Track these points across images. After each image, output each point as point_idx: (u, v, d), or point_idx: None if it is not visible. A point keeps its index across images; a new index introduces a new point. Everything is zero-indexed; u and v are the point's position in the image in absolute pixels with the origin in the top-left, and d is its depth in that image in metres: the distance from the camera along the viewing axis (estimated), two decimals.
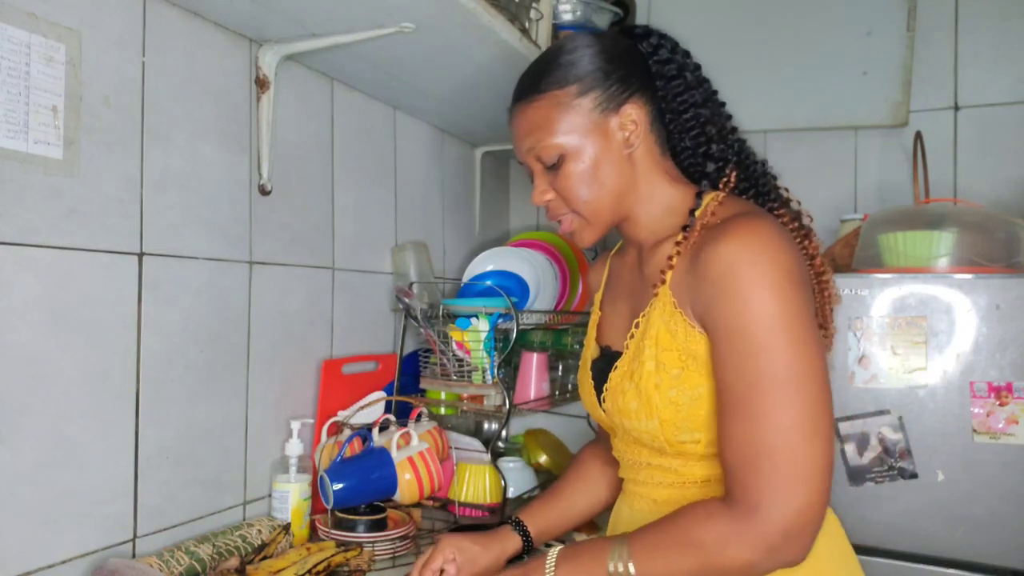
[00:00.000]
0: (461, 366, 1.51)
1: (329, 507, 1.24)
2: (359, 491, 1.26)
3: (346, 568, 1.13)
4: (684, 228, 0.90)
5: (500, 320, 1.51)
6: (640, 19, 1.95)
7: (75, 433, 0.99)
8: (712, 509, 0.79)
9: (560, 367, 1.81)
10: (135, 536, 1.07)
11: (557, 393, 1.74)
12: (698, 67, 0.96)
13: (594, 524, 1.38)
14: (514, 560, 1.08)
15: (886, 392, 1.33)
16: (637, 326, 0.91)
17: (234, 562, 1.06)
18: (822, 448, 0.75)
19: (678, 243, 0.89)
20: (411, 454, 1.31)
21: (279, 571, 1.06)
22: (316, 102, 1.45)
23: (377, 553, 1.22)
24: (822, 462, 0.75)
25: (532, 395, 1.67)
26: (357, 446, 1.35)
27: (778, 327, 0.77)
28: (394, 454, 1.29)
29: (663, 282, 0.89)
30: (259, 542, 1.15)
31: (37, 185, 0.94)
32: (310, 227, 1.44)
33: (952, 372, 1.29)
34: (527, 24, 1.36)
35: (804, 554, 0.76)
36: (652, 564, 0.81)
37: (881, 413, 1.33)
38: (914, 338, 1.32)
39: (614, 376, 0.93)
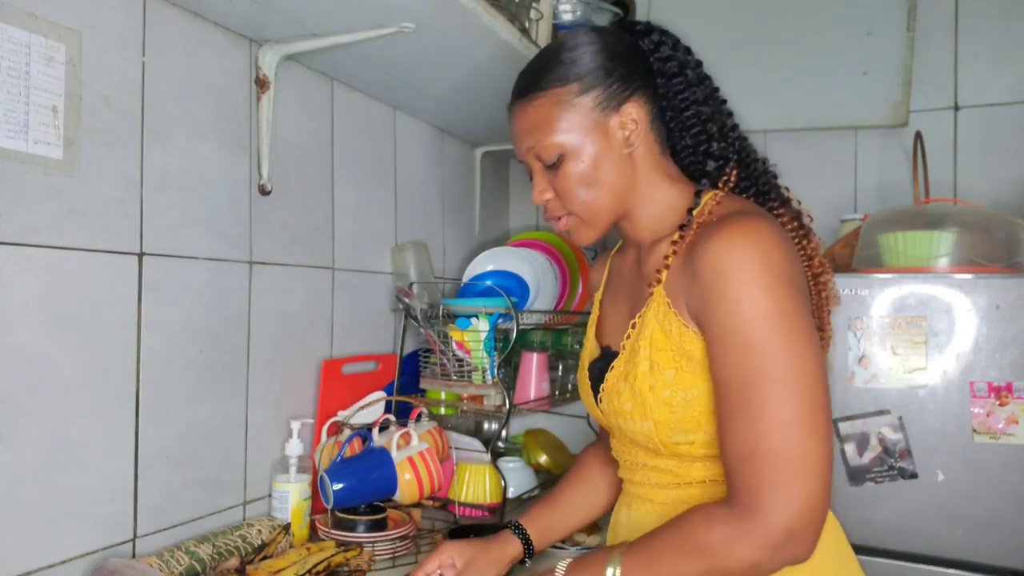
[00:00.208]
0: (461, 366, 1.51)
1: (329, 507, 1.24)
2: (359, 491, 1.26)
3: (346, 568, 1.13)
4: (681, 227, 0.90)
5: (500, 320, 1.51)
6: (640, 19, 1.95)
7: (75, 433, 0.99)
8: (711, 512, 0.79)
9: (560, 367, 1.81)
10: (135, 536, 1.07)
11: (557, 393, 1.74)
12: (699, 64, 0.95)
13: (595, 525, 1.38)
14: (516, 566, 1.08)
15: (886, 392, 1.33)
16: (634, 326, 0.91)
17: (234, 562, 1.06)
18: (820, 445, 0.75)
19: (674, 242, 0.89)
20: (411, 454, 1.31)
21: (279, 571, 1.06)
22: (316, 102, 1.45)
23: (377, 553, 1.22)
24: (821, 459, 0.75)
25: (532, 395, 1.67)
26: (357, 446, 1.35)
27: (770, 326, 0.76)
28: (394, 454, 1.29)
29: (658, 281, 0.88)
30: (259, 542, 1.15)
31: (37, 185, 0.94)
32: (310, 227, 1.44)
33: (952, 372, 1.29)
34: (527, 24, 1.36)
35: (809, 551, 0.75)
36: (649, 570, 0.81)
37: (881, 413, 1.33)
38: (914, 338, 1.32)
39: (610, 377, 0.93)
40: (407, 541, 1.28)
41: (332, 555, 1.11)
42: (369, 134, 1.61)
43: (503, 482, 1.47)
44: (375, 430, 1.37)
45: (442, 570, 1.04)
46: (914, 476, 1.31)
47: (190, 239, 1.16)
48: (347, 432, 1.37)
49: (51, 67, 0.95)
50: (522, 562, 1.09)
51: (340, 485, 1.23)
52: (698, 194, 0.92)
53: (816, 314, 0.92)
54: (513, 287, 1.62)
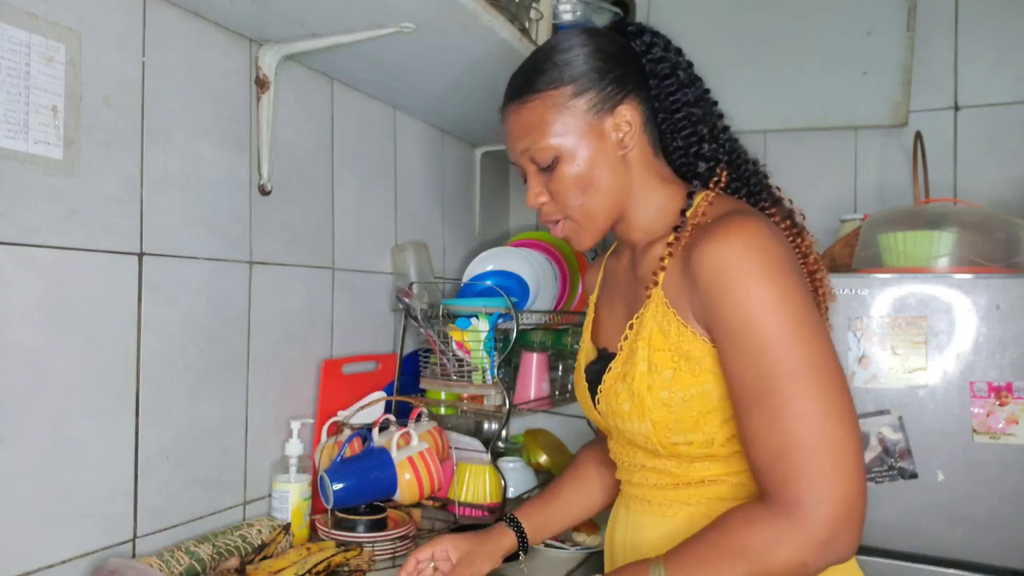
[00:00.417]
0: (461, 366, 1.51)
1: (329, 507, 1.24)
2: (359, 491, 1.26)
3: (346, 568, 1.13)
4: (675, 229, 0.89)
5: (500, 320, 1.51)
6: (640, 19, 1.95)
7: (75, 433, 0.99)
8: (751, 513, 0.77)
9: (560, 367, 1.81)
10: (135, 536, 1.07)
11: (557, 393, 1.74)
12: (690, 65, 0.95)
13: (593, 523, 1.38)
14: (509, 558, 1.09)
15: (886, 392, 1.33)
16: (631, 327, 0.91)
17: (234, 562, 1.06)
18: (849, 429, 0.74)
19: (669, 244, 0.89)
20: (411, 454, 1.31)
21: (279, 571, 1.06)
22: (316, 102, 1.45)
23: (377, 553, 1.22)
24: (853, 443, 0.73)
25: (532, 395, 1.67)
26: (357, 446, 1.35)
27: (780, 317, 0.76)
28: (394, 454, 1.29)
29: (655, 284, 0.88)
30: (259, 542, 1.15)
31: (37, 185, 0.94)
32: (310, 227, 1.44)
33: (952, 372, 1.29)
34: (527, 24, 1.36)
35: (854, 547, 0.73)
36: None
37: (881, 413, 1.33)
38: (914, 338, 1.32)
39: (608, 378, 0.93)
40: (407, 541, 1.28)
41: (332, 555, 1.11)
42: (369, 134, 1.61)
43: (503, 482, 1.47)
44: (375, 430, 1.37)
45: (436, 562, 1.04)
46: (914, 476, 1.31)
47: (190, 239, 1.16)
48: (347, 432, 1.37)
49: (51, 67, 0.95)
50: (515, 555, 1.09)
51: (340, 485, 1.23)
52: (690, 195, 0.92)
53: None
54: (513, 287, 1.62)
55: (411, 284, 1.61)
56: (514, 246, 1.74)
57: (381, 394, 1.53)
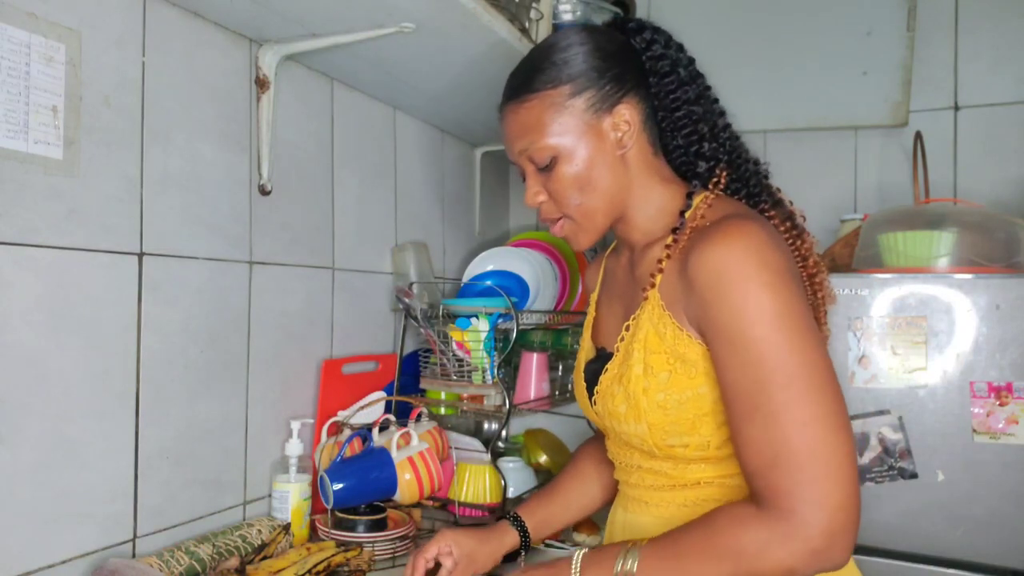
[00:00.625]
0: (461, 366, 1.51)
1: (329, 507, 1.24)
2: (359, 491, 1.26)
3: (346, 568, 1.13)
4: (674, 231, 0.89)
5: (500, 320, 1.51)
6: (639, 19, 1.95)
7: (75, 433, 0.99)
8: (743, 514, 0.77)
9: (560, 367, 1.81)
10: (135, 536, 1.07)
11: (557, 393, 1.74)
12: (691, 61, 0.94)
13: (593, 522, 1.38)
14: (511, 556, 1.09)
15: (886, 392, 1.33)
16: (627, 329, 0.91)
17: (234, 562, 1.06)
18: (844, 439, 0.74)
19: (667, 246, 0.89)
20: (411, 454, 1.31)
21: (279, 571, 1.06)
22: (316, 102, 1.45)
23: (377, 553, 1.22)
24: (847, 452, 0.73)
25: (532, 395, 1.67)
26: (357, 446, 1.35)
27: (777, 325, 0.76)
28: (394, 454, 1.29)
29: (652, 286, 0.88)
30: (259, 542, 1.15)
31: (37, 185, 0.94)
32: (310, 227, 1.44)
33: (952, 372, 1.29)
34: (527, 24, 1.36)
35: (847, 555, 0.73)
36: (669, 568, 0.79)
37: (881, 413, 1.33)
38: (914, 338, 1.32)
39: (604, 379, 0.93)
40: (407, 541, 1.28)
41: (332, 555, 1.11)
42: (369, 134, 1.61)
43: (503, 482, 1.47)
44: (375, 430, 1.37)
45: (440, 558, 1.04)
46: (914, 476, 1.31)
47: (190, 239, 1.16)
48: (347, 432, 1.37)
49: (51, 67, 0.95)
50: (517, 552, 1.09)
51: (340, 485, 1.23)
52: (689, 196, 0.91)
53: (812, 314, 0.92)
54: (513, 287, 1.62)
55: (411, 284, 1.61)
56: (514, 246, 1.74)
57: (381, 394, 1.53)
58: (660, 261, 0.88)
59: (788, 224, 0.92)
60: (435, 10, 1.13)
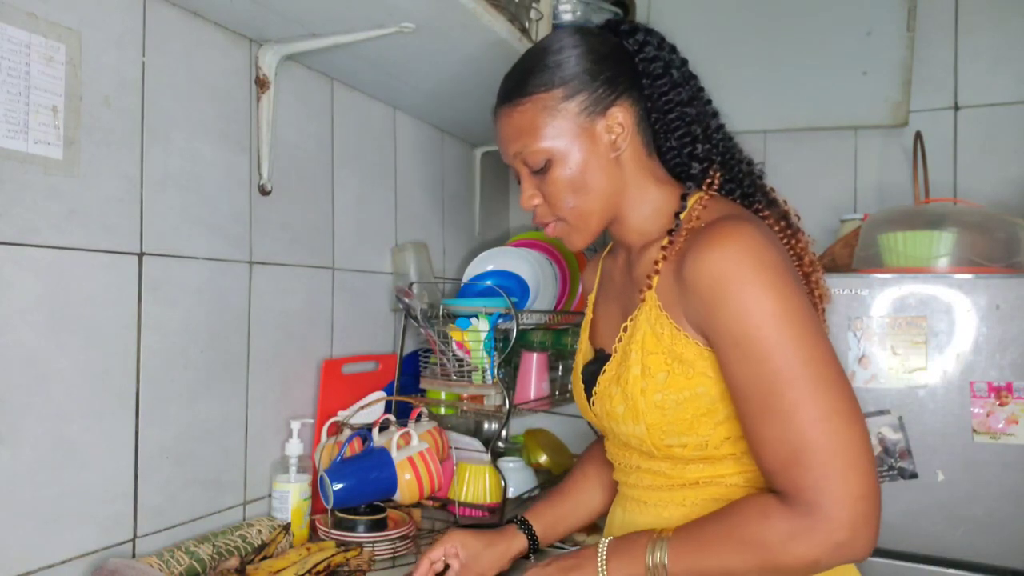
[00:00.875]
0: (461, 366, 1.51)
1: (329, 507, 1.24)
2: (359, 491, 1.26)
3: (346, 568, 1.13)
4: (669, 232, 0.89)
5: (500, 320, 1.51)
6: (640, 19, 1.94)
7: (75, 433, 0.99)
8: (768, 506, 0.77)
9: (560, 367, 1.81)
10: (135, 536, 1.07)
11: (557, 393, 1.74)
12: (684, 63, 0.94)
13: (595, 525, 1.38)
14: (519, 560, 1.08)
15: (886, 392, 1.33)
16: (625, 330, 0.91)
17: (234, 562, 1.06)
18: (859, 430, 0.74)
19: (663, 247, 0.89)
20: (411, 454, 1.31)
21: (279, 571, 1.06)
22: (316, 102, 1.45)
23: (377, 553, 1.22)
24: (864, 444, 0.74)
25: (532, 395, 1.67)
26: (357, 446, 1.35)
27: (780, 324, 0.76)
28: (394, 454, 1.29)
29: (649, 287, 0.88)
30: (259, 542, 1.15)
31: (37, 185, 0.94)
32: (310, 227, 1.44)
33: (952, 372, 1.29)
34: (527, 24, 1.36)
35: (871, 547, 0.74)
36: (695, 558, 0.80)
37: (881, 413, 1.33)
38: (914, 338, 1.32)
39: (602, 380, 0.93)
40: (407, 541, 1.28)
41: (332, 555, 1.11)
42: (369, 134, 1.61)
43: (503, 482, 1.47)
44: (375, 430, 1.37)
45: (447, 559, 1.04)
46: (914, 476, 1.31)
47: (190, 239, 1.16)
48: (347, 432, 1.37)
49: (51, 67, 0.95)
50: (526, 557, 1.09)
51: (340, 485, 1.23)
52: (684, 197, 0.92)
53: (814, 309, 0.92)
54: (513, 287, 1.62)
55: (411, 284, 1.61)
56: (514, 246, 1.74)
57: (381, 394, 1.53)
58: (656, 263, 0.88)
59: (783, 224, 0.92)
60: (435, 10, 1.13)
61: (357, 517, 1.26)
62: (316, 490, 1.30)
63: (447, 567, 1.04)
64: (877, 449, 1.33)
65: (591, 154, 0.89)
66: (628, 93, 0.91)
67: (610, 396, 0.90)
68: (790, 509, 0.75)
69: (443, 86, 1.53)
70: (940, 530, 1.29)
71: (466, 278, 1.69)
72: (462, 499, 1.46)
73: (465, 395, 1.58)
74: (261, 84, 1.28)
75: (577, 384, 1.03)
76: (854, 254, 1.47)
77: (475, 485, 1.47)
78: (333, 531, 1.25)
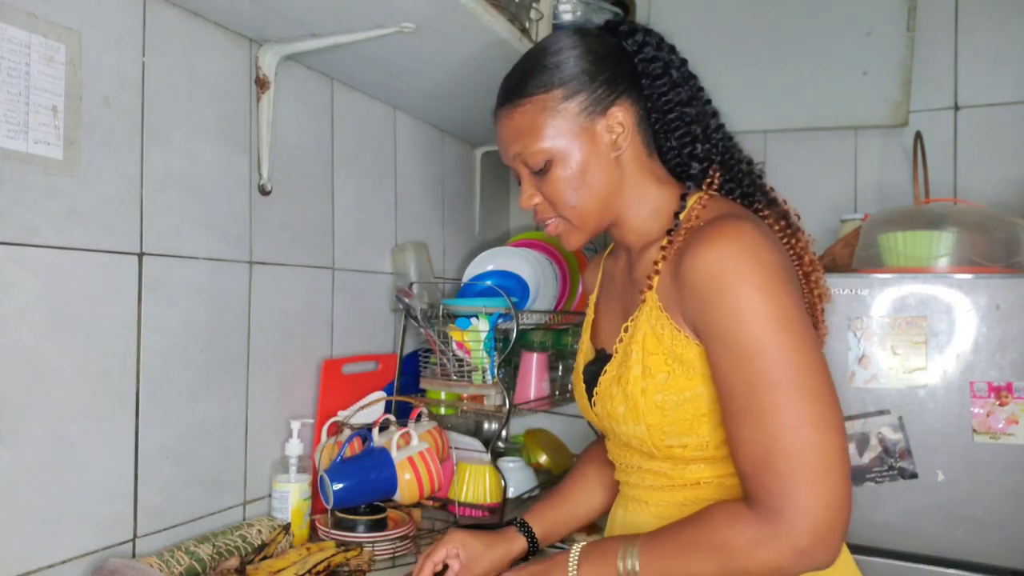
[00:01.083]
0: (461, 366, 1.51)
1: (329, 507, 1.24)
2: (359, 491, 1.26)
3: (346, 568, 1.13)
4: (669, 232, 0.89)
5: (500, 320, 1.51)
6: (640, 19, 1.95)
7: (75, 433, 0.99)
8: (735, 512, 0.78)
9: (560, 367, 1.81)
10: (135, 536, 1.07)
11: (557, 393, 1.74)
12: (683, 63, 0.94)
13: (595, 526, 1.38)
14: (519, 562, 1.08)
15: (886, 392, 1.33)
16: (626, 331, 0.91)
17: (234, 562, 1.06)
18: (835, 440, 0.74)
19: (663, 247, 0.89)
20: (411, 454, 1.31)
21: (279, 571, 1.06)
22: (316, 102, 1.45)
23: (377, 553, 1.22)
24: (838, 454, 0.74)
25: (532, 395, 1.67)
26: (357, 446, 1.35)
27: (770, 326, 0.76)
28: (394, 454, 1.29)
29: (650, 287, 0.88)
30: (259, 542, 1.15)
31: (37, 185, 0.94)
32: (310, 227, 1.44)
33: (952, 372, 1.29)
34: (527, 24, 1.36)
35: (834, 556, 0.74)
36: (664, 564, 0.80)
37: (881, 413, 1.33)
38: (914, 338, 1.32)
39: (603, 380, 0.93)
40: (407, 541, 1.28)
41: (332, 555, 1.11)
42: (369, 134, 1.61)
43: (503, 482, 1.47)
44: (375, 430, 1.37)
45: (447, 560, 1.04)
46: (914, 476, 1.31)
47: (190, 239, 1.16)
48: (347, 432, 1.37)
49: (51, 67, 0.95)
50: (525, 559, 1.09)
51: (340, 485, 1.23)
52: (683, 197, 0.92)
53: (809, 312, 0.92)
54: (513, 287, 1.62)
55: (411, 284, 1.61)
56: (514, 246, 1.74)
57: (381, 394, 1.53)
58: (656, 263, 0.89)
59: (783, 223, 0.92)
60: (435, 10, 1.13)
61: (357, 517, 1.26)
62: (316, 490, 1.30)
63: (446, 567, 1.04)
64: (877, 449, 1.33)
65: (591, 154, 0.89)
66: (628, 93, 0.91)
67: (611, 396, 0.91)
68: (756, 515, 0.75)
69: (443, 86, 1.53)
70: (940, 530, 1.29)
71: (466, 278, 1.69)
72: (462, 499, 1.46)
73: (465, 395, 1.58)
74: (261, 84, 1.28)
75: (578, 384, 1.03)
76: (854, 254, 1.47)
77: (475, 485, 1.47)
78: (333, 531, 1.25)
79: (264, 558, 1.12)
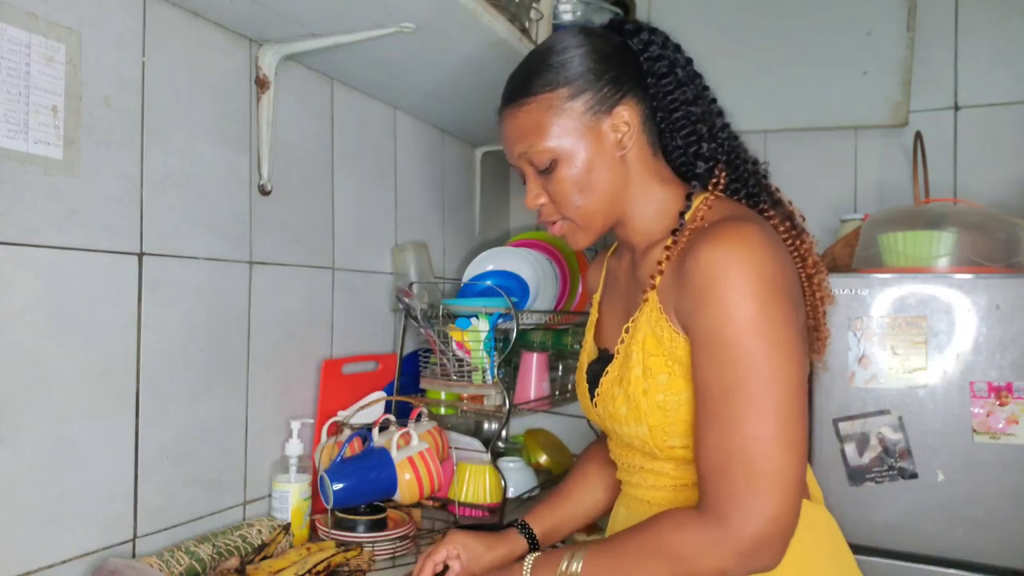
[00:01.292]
0: (461, 366, 1.51)
1: (329, 507, 1.24)
2: (359, 491, 1.26)
3: (346, 568, 1.13)
4: (673, 232, 0.89)
5: (500, 320, 1.51)
6: (641, 19, 1.95)
7: (75, 433, 0.99)
8: (683, 518, 0.80)
9: (560, 367, 1.81)
10: (135, 536, 1.07)
11: (557, 393, 1.74)
12: (689, 61, 0.94)
13: (595, 526, 1.38)
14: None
15: (886, 392, 1.33)
16: (627, 331, 0.91)
17: (234, 562, 1.06)
18: (795, 460, 0.76)
19: (667, 248, 0.89)
20: (411, 454, 1.31)
21: (279, 571, 1.06)
22: (316, 102, 1.45)
23: (377, 553, 1.22)
24: (794, 474, 0.75)
25: (532, 395, 1.67)
26: (357, 446, 1.35)
27: (756, 336, 0.76)
28: (394, 454, 1.29)
29: (652, 288, 0.88)
30: (259, 542, 1.15)
31: (37, 185, 0.94)
32: (310, 227, 1.44)
33: (952, 372, 1.29)
34: (527, 24, 1.36)
35: (777, 560, 0.77)
36: (610, 569, 0.83)
37: (881, 413, 1.33)
38: (914, 338, 1.32)
39: (605, 381, 0.93)
40: (407, 541, 1.28)
41: (332, 555, 1.11)
42: (369, 134, 1.61)
43: (503, 482, 1.47)
44: (375, 430, 1.37)
45: (447, 560, 1.04)
46: (914, 476, 1.31)
47: (190, 239, 1.16)
48: (347, 432, 1.37)
49: (51, 67, 0.95)
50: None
51: (340, 485, 1.23)
52: (689, 197, 0.91)
53: (811, 314, 0.92)
54: (513, 287, 1.62)
55: (411, 284, 1.61)
56: (514, 246, 1.74)
57: (381, 394, 1.53)
58: (660, 263, 0.88)
59: (787, 224, 0.91)
60: (435, 10, 1.13)
61: (357, 517, 1.26)
62: (316, 490, 1.30)
63: (446, 568, 1.04)
64: (877, 449, 1.33)
65: (597, 153, 0.89)
66: (633, 92, 0.90)
67: (613, 397, 0.91)
68: (704, 520, 0.77)
69: (443, 86, 1.52)
70: (940, 530, 1.29)
71: (466, 278, 1.69)
72: (462, 499, 1.46)
73: (465, 395, 1.58)
74: (261, 84, 1.28)
75: (581, 384, 1.03)
76: (854, 254, 1.47)
77: (475, 485, 1.47)
78: (333, 531, 1.25)
79: (264, 558, 1.12)
